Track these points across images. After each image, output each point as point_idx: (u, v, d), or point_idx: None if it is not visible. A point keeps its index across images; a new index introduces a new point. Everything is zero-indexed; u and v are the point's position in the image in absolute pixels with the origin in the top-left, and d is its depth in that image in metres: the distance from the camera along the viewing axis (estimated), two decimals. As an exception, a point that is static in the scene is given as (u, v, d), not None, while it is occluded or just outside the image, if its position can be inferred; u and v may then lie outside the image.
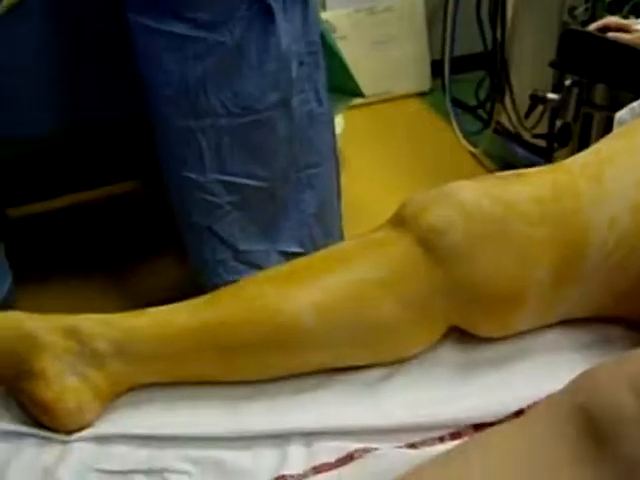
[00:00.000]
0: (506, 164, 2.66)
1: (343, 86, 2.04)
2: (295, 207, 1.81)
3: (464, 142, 2.84)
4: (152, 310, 0.87)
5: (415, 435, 0.81)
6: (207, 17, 1.51)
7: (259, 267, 1.75)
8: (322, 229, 1.87)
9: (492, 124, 2.62)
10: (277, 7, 1.58)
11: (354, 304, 0.84)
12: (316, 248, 1.86)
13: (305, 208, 1.82)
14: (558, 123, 1.60)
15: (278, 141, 1.72)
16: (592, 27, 1.35)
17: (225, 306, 0.85)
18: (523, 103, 2.46)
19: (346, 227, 2.02)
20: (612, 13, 1.85)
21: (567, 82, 1.47)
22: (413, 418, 0.82)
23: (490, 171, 2.73)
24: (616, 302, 0.90)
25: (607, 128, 1.83)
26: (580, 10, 1.95)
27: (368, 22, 2.99)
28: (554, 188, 0.87)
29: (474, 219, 0.83)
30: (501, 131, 2.61)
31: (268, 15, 1.58)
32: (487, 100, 2.89)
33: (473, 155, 2.79)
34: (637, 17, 1.82)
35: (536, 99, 1.61)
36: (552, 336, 0.91)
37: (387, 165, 2.68)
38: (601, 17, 1.87)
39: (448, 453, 0.72)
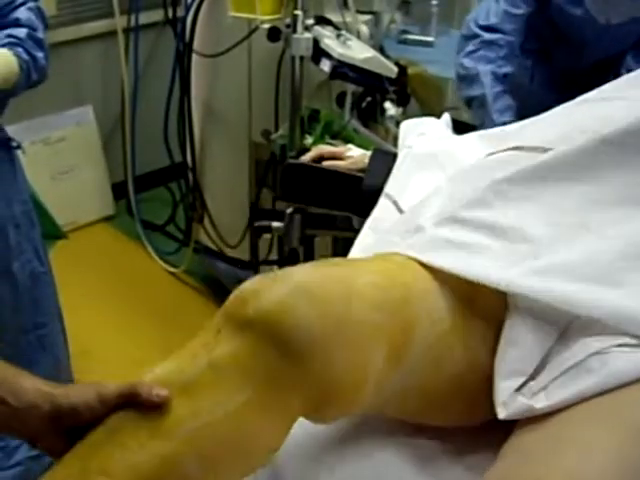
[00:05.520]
0: (211, 280, 2.71)
1: (46, 231, 1.98)
2: (28, 370, 1.71)
3: (161, 263, 2.85)
4: None
5: None
6: None
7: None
8: (56, 387, 1.79)
9: (191, 244, 2.65)
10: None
11: (233, 436, 0.80)
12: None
13: (38, 370, 1.73)
14: (285, 248, 1.68)
15: (4, 310, 1.63)
16: (306, 158, 1.40)
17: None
18: (220, 221, 2.53)
19: (79, 375, 1.96)
20: (308, 134, 1.98)
21: (289, 210, 1.54)
22: None
23: (196, 289, 2.76)
24: (426, 406, 0.94)
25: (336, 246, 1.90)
26: (277, 134, 2.06)
27: (45, 154, 2.92)
28: (387, 275, 0.90)
29: (325, 308, 0.82)
30: (201, 249, 2.64)
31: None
32: (173, 218, 2.92)
33: (174, 275, 2.81)
34: (331, 137, 1.97)
35: (261, 229, 1.68)
36: None
37: (96, 297, 2.62)
38: (300, 140, 2.00)
39: None
